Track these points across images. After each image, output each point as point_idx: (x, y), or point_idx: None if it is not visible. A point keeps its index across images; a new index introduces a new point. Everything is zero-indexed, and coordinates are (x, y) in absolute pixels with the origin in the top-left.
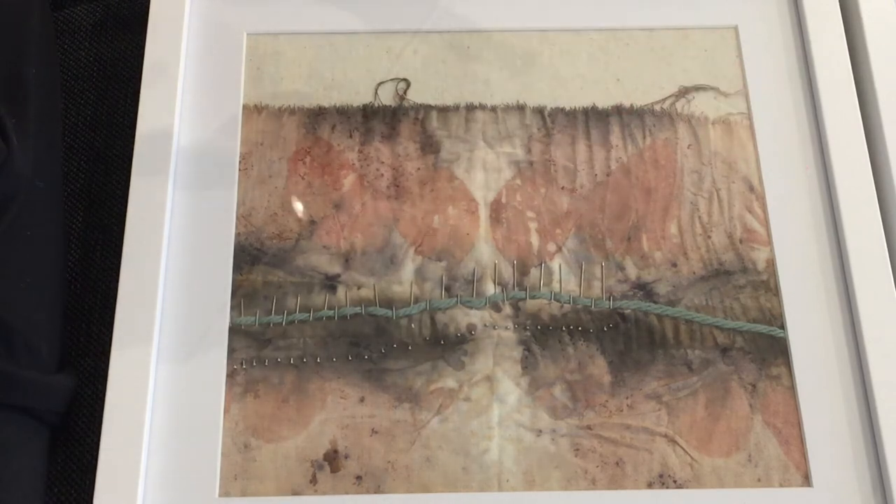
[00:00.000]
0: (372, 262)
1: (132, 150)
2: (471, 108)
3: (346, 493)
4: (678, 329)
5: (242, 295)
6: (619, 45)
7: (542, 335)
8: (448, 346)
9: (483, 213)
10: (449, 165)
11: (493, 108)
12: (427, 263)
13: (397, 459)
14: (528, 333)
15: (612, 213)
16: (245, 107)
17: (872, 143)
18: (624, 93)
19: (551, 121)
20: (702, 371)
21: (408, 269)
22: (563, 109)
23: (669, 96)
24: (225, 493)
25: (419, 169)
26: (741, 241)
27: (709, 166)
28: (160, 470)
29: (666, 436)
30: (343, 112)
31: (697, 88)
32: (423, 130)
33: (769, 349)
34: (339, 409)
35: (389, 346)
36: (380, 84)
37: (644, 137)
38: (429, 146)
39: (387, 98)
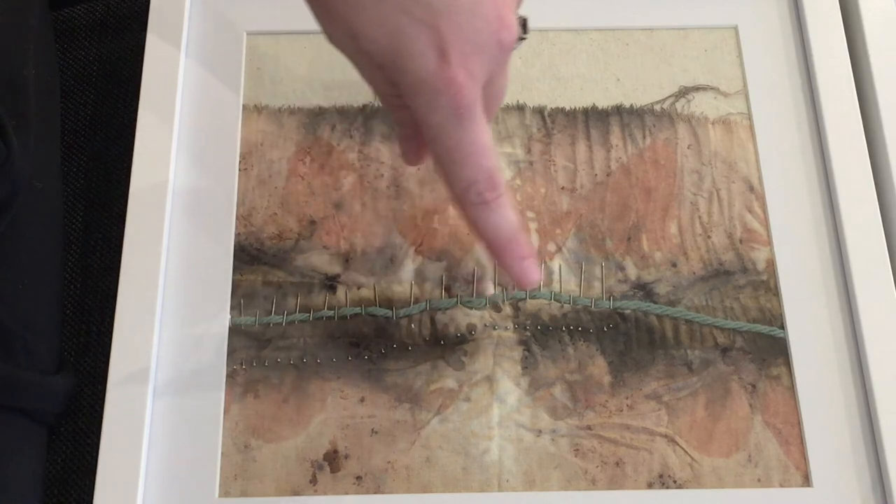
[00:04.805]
0: (372, 262)
1: (132, 150)
2: None
3: (346, 493)
4: (678, 329)
5: (242, 295)
6: (619, 45)
7: (542, 335)
8: (448, 346)
9: None
10: None
11: None
12: (427, 263)
13: (397, 459)
14: (528, 333)
15: (612, 213)
16: (245, 107)
17: (872, 143)
18: (624, 93)
19: (551, 121)
20: (702, 371)
21: (408, 269)
22: (563, 109)
23: (669, 96)
24: (225, 493)
25: (419, 169)
26: (741, 241)
27: (709, 166)
28: (160, 470)
29: (666, 436)
30: (343, 112)
31: (697, 88)
32: None
33: (769, 349)
34: (339, 409)
35: (389, 346)
36: None
37: (644, 137)
38: None
39: None
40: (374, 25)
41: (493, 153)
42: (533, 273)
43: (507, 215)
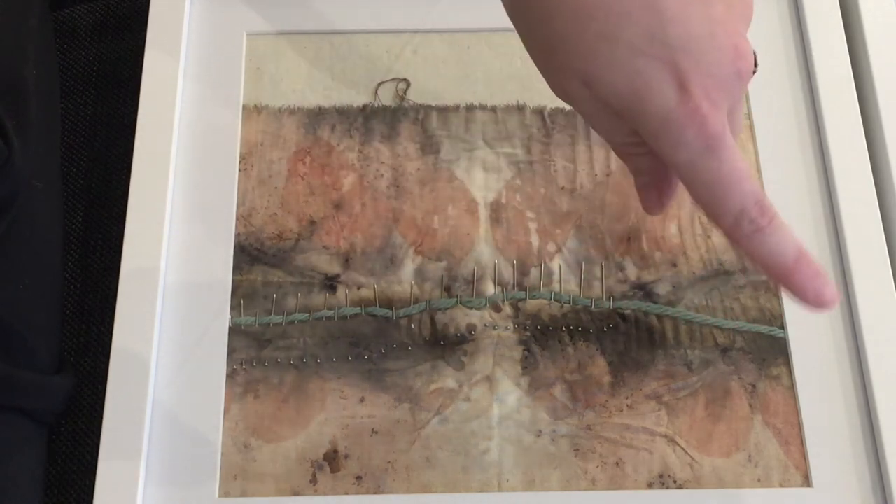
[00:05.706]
0: (372, 262)
1: (132, 150)
2: (471, 108)
3: (346, 493)
4: (678, 329)
5: (242, 295)
6: None
7: (542, 335)
8: (448, 346)
9: (483, 213)
10: (449, 165)
11: (493, 108)
12: (427, 263)
13: (397, 459)
14: (528, 333)
15: (612, 213)
16: (245, 107)
17: (872, 143)
18: None
19: (551, 121)
20: (702, 371)
21: (408, 269)
22: (562, 110)
23: None
24: (225, 493)
25: (419, 169)
26: None
27: None
28: (160, 470)
29: (666, 436)
30: (343, 112)
31: None
32: (423, 130)
33: (769, 349)
34: (339, 409)
35: (389, 346)
36: (380, 84)
37: None
38: (429, 146)
39: (387, 98)
40: (609, 70)
41: (753, 176)
42: (829, 291)
43: (786, 236)
